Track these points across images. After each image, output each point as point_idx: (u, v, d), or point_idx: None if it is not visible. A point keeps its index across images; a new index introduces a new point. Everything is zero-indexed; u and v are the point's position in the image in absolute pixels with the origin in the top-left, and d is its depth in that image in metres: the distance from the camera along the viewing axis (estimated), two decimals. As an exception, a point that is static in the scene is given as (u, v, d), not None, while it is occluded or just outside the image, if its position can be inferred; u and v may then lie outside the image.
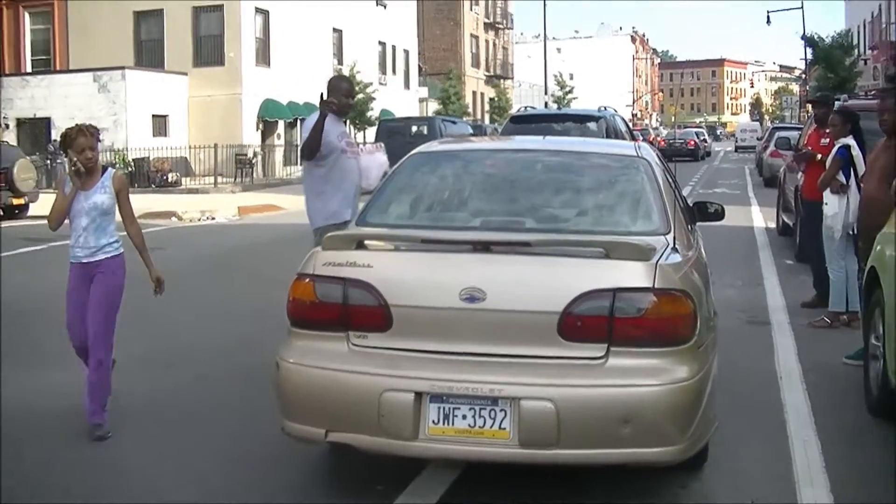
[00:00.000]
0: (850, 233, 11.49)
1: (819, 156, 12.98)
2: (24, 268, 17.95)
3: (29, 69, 55.34)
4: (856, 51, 70.48)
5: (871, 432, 8.08)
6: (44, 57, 56.34)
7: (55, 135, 47.47)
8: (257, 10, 53.50)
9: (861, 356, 9.47)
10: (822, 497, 6.60)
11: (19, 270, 17.46)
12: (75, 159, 8.09)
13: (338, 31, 63.40)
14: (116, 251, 8.41)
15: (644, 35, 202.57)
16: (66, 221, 8.33)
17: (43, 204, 30.72)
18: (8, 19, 56.46)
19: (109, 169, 8.53)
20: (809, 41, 71.58)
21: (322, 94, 10.00)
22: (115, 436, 7.99)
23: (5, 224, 26.34)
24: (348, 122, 49.95)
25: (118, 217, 8.51)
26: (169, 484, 7.00)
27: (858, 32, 77.81)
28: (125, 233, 8.58)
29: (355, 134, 51.35)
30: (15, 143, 40.93)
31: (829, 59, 67.10)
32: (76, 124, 8.45)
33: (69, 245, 8.34)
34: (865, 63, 69.21)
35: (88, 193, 8.22)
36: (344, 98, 10.35)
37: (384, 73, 71.70)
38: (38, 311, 12.97)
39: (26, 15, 56.50)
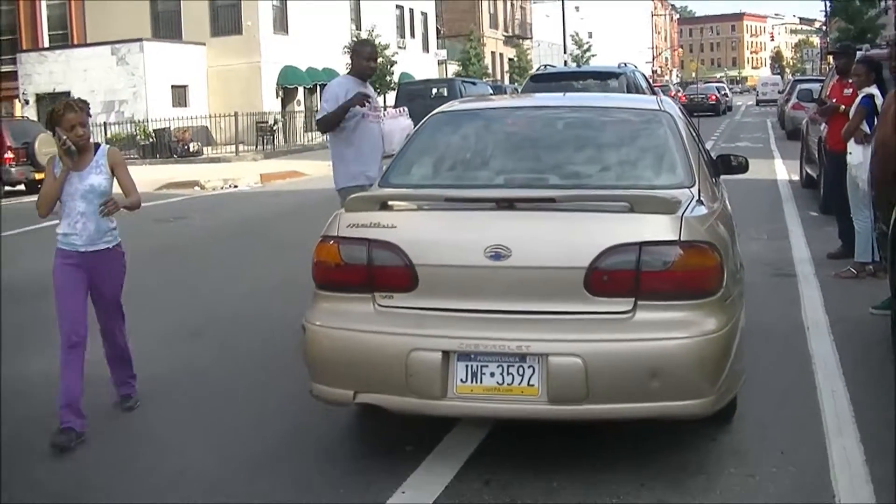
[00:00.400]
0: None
1: (842, 107, 12.91)
2: (47, 242, 17.96)
3: (47, 44, 55.44)
4: (882, 3, 69.92)
5: (899, 381, 8.06)
6: (61, 31, 56.40)
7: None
8: (274, -23, 53.44)
9: (888, 306, 9.43)
10: (851, 447, 6.58)
11: (42, 245, 17.45)
12: (65, 137, 7.39)
13: (355, -4, 63.33)
14: (117, 239, 7.80)
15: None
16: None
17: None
18: (24, -5, 56.51)
19: (102, 145, 7.84)
20: (828, -8, 71.09)
21: (347, 91, 10.08)
22: (147, 407, 8.02)
23: (27, 199, 26.40)
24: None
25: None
26: (196, 452, 7.01)
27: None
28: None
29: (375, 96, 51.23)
30: (35, 119, 41.05)
31: (848, 10, 66.66)
32: (63, 99, 7.87)
33: (58, 232, 7.62)
34: (886, 13, 68.79)
35: (83, 174, 7.55)
36: (365, 62, 10.44)
37: (403, 36, 71.57)
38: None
39: (43, -10, 56.54)
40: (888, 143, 9.90)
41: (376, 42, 47.68)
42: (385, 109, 10.91)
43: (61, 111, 7.51)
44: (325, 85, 10.98)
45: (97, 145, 7.78)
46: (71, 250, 7.57)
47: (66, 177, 7.50)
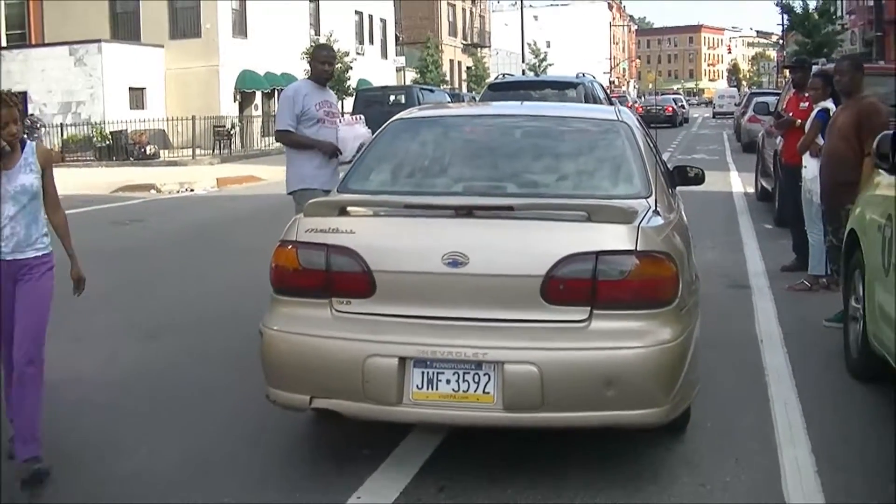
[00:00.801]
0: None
1: (799, 121, 13.03)
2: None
3: (4, 43, 55.01)
4: (836, 19, 70.54)
5: (852, 394, 8.13)
6: (19, 31, 56.06)
7: (31, 109, 47.32)
8: (233, -20, 53.33)
9: (841, 319, 9.52)
10: (803, 457, 6.65)
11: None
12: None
13: (314, 1, 63.25)
14: (48, 247, 6.75)
15: (621, 2, 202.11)
16: None
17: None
18: (-18, -7, 56.16)
19: (29, 142, 6.80)
20: (786, 7, 71.64)
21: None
22: (103, 409, 7.98)
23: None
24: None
25: None
26: (151, 454, 6.99)
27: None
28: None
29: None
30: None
31: (805, 24, 67.19)
32: (4, 91, 6.70)
33: None
34: (843, 28, 69.39)
35: (11, 174, 6.54)
36: (320, 65, 10.46)
37: (361, 42, 71.57)
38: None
39: (1, -11, 56.21)
40: (835, 152, 10.12)
41: (335, 48, 47.68)
42: (342, 116, 10.91)
43: None
44: (283, 90, 11.00)
45: (23, 142, 6.73)
46: None
47: None
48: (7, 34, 56.21)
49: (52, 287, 6.80)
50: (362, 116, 10.98)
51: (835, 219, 10.26)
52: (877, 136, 9.28)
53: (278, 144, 10.29)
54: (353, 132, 10.27)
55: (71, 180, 30.31)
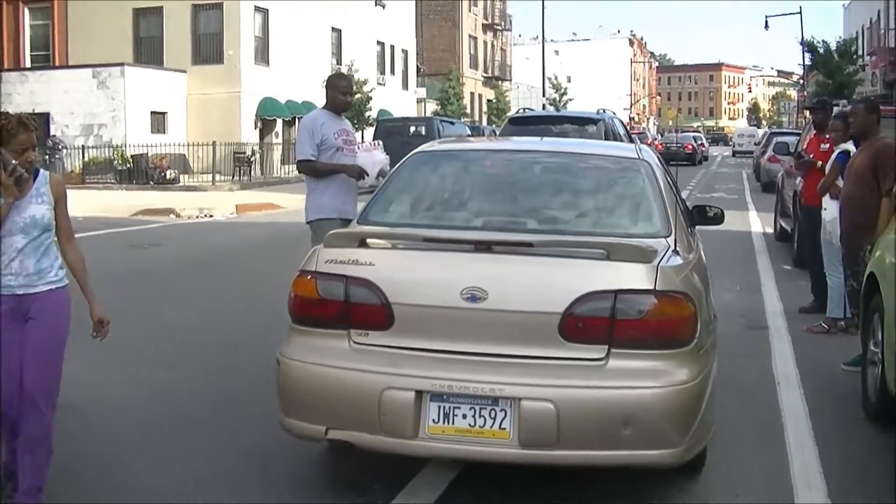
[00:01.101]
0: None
1: (819, 163, 13.02)
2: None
3: (28, 65, 55.31)
4: (859, 60, 70.47)
5: (869, 438, 8.08)
6: (43, 52, 56.33)
7: (54, 130, 47.51)
8: (257, 8, 53.50)
9: (859, 362, 9.49)
10: (819, 501, 6.61)
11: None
12: (14, 163, 5.98)
13: (336, 31, 63.39)
14: (62, 281, 6.32)
15: (642, 38, 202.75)
16: None
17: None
18: (7, 15, 56.48)
19: (42, 171, 6.36)
20: (808, 46, 71.57)
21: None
22: (114, 433, 7.99)
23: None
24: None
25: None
26: (166, 482, 6.98)
27: (858, 38, 77.83)
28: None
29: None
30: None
31: (827, 65, 67.11)
32: (14, 114, 6.31)
33: None
34: (864, 69, 69.30)
35: (21, 204, 6.09)
36: (342, 96, 10.44)
37: (382, 73, 71.70)
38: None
39: (26, 10, 56.50)
40: (853, 196, 10.10)
41: (355, 77, 47.79)
42: (361, 143, 10.93)
43: (14, 129, 6.11)
44: (301, 120, 11.01)
45: (35, 170, 6.30)
46: (8, 294, 6.11)
47: (10, 211, 6.04)
48: (31, 55, 56.50)
49: (68, 327, 6.33)
50: (380, 142, 10.99)
51: (854, 262, 10.22)
52: (890, 176, 9.34)
53: (297, 173, 10.29)
54: (371, 158, 10.29)
55: (91, 202, 30.50)
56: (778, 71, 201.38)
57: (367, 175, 10.09)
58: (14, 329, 6.09)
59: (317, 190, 10.17)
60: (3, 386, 6.02)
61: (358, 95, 50.09)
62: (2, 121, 6.10)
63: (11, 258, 6.08)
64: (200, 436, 7.98)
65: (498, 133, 29.85)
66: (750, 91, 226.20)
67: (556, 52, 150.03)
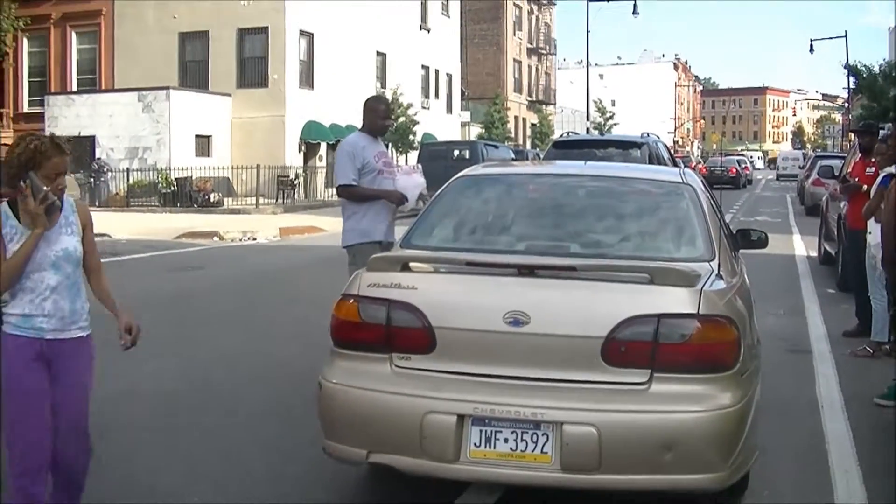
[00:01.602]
0: None
1: (864, 186, 12.95)
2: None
3: (75, 88, 55.83)
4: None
5: (914, 464, 8.02)
6: (90, 76, 56.87)
7: (99, 153, 47.88)
8: (302, 32, 53.72)
9: (892, 396, 9.46)
10: (863, 528, 6.57)
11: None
12: (46, 189, 5.46)
13: (381, 55, 63.55)
14: (89, 328, 5.80)
15: (686, 62, 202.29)
16: None
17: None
18: (55, 39, 57.12)
19: (68, 197, 5.80)
20: (853, 70, 71.16)
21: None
22: (147, 456, 8.01)
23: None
24: (390, 146, 50.23)
25: None
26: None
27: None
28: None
29: (397, 157, 51.38)
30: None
31: (872, 88, 66.70)
32: (47, 135, 5.73)
33: (10, 312, 5.57)
34: (910, 93, 68.76)
35: (51, 236, 5.57)
36: (381, 120, 10.40)
37: (427, 96, 71.82)
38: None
39: (73, 34, 57.11)
40: (891, 223, 9.99)
41: (400, 101, 47.86)
42: (399, 165, 10.91)
43: (47, 151, 5.53)
44: (339, 144, 11.00)
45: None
46: (34, 338, 5.54)
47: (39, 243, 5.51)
48: (78, 78, 57.03)
49: (93, 377, 5.87)
50: (420, 165, 10.97)
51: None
52: None
53: (338, 197, 10.24)
54: (411, 181, 10.26)
55: (135, 225, 30.73)
56: (823, 95, 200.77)
57: (408, 200, 10.08)
58: (43, 380, 5.56)
59: (356, 214, 10.13)
60: (36, 444, 5.48)
61: (402, 119, 50.28)
62: (34, 142, 5.56)
63: (44, 297, 5.55)
64: (240, 459, 8.00)
65: (542, 157, 29.84)
66: (794, 114, 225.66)
67: (601, 75, 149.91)
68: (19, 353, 5.48)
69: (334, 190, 10.38)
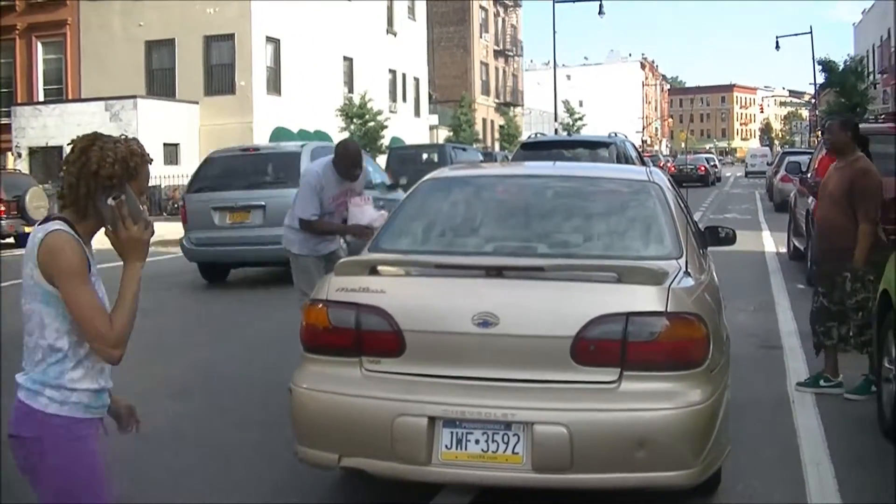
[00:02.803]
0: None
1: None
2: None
3: (41, 98, 55.55)
4: (869, 76, 70.47)
5: (886, 457, 8.02)
6: (56, 86, 56.56)
7: (67, 163, 47.63)
8: (268, 38, 53.63)
9: (865, 390, 9.51)
10: (836, 521, 6.60)
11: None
12: (142, 209, 4.27)
13: (348, 60, 63.48)
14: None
15: (654, 61, 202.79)
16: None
17: (55, 232, 30.87)
18: (21, 49, 56.79)
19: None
20: (825, 65, 71.44)
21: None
22: (128, 466, 8.00)
23: (18, 251, 26.41)
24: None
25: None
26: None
27: (868, 57, 77.89)
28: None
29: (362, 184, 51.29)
30: (27, 172, 41.15)
31: (843, 83, 67.05)
32: (128, 139, 4.33)
33: (78, 388, 4.29)
34: (875, 87, 69.28)
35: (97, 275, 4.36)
36: (351, 168, 10.25)
37: (394, 100, 71.76)
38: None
39: (39, 45, 56.78)
40: (827, 218, 10.01)
41: (368, 106, 47.79)
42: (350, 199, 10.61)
43: (143, 155, 4.31)
44: (304, 173, 10.90)
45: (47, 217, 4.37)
46: (101, 417, 4.50)
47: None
48: (45, 89, 56.74)
49: None
50: (370, 197, 10.77)
51: (826, 282, 10.05)
52: (867, 200, 9.27)
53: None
54: (362, 215, 10.13)
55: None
56: (790, 91, 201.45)
57: (371, 234, 9.89)
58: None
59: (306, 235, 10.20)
60: None
61: (371, 124, 50.15)
62: (133, 146, 4.31)
63: (102, 364, 4.44)
64: (216, 465, 8.00)
65: (510, 158, 29.90)
66: (762, 111, 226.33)
67: (568, 76, 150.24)
68: (90, 441, 4.35)
69: (293, 215, 10.27)
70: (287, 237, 10.30)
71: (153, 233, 4.31)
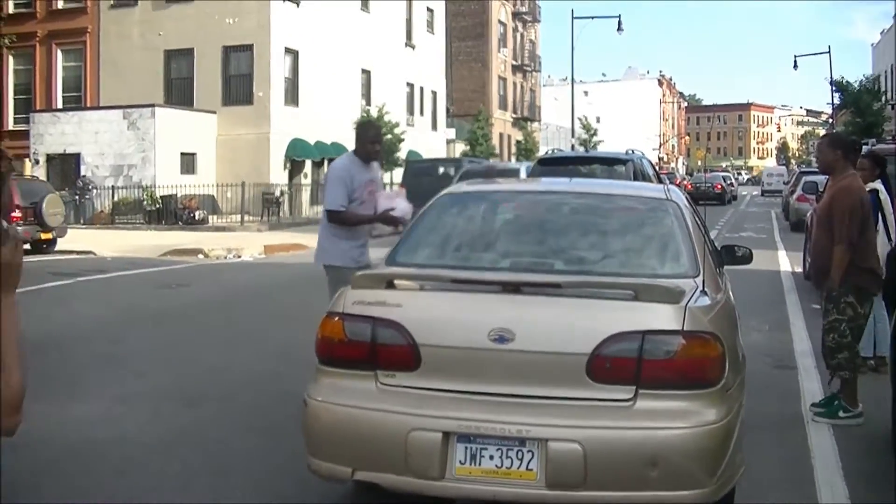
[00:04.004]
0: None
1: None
2: (49, 302, 17.97)
3: (60, 105, 55.74)
4: (883, 97, 70.37)
5: (899, 477, 8.03)
6: (75, 94, 56.80)
7: (84, 170, 47.87)
8: (287, 50, 53.76)
9: (829, 407, 9.63)
10: (849, 542, 6.58)
11: (45, 305, 17.50)
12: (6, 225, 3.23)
13: (366, 72, 63.61)
14: None
15: (671, 79, 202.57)
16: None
17: (70, 239, 30.99)
18: (41, 56, 57.06)
19: None
20: (838, 86, 71.42)
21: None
22: (137, 472, 8.01)
23: (33, 258, 26.51)
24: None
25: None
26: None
27: (885, 77, 77.72)
28: None
29: (382, 175, 51.35)
30: (44, 179, 41.27)
31: (858, 103, 66.94)
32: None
33: None
34: (893, 108, 69.13)
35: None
36: (370, 145, 10.39)
37: (412, 114, 71.84)
38: (59, 344, 12.97)
39: (59, 52, 57.04)
40: (815, 239, 10.01)
41: (385, 119, 47.89)
42: (382, 189, 10.82)
43: (9, 164, 3.49)
44: (330, 167, 10.95)
45: None
46: None
47: None
48: (63, 96, 56.94)
49: None
50: (403, 189, 10.92)
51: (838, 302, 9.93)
52: (842, 220, 9.24)
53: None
54: (391, 205, 10.22)
55: (119, 243, 30.69)
56: (807, 110, 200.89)
57: (403, 222, 9.98)
58: None
59: (335, 236, 10.14)
60: None
61: (388, 136, 50.33)
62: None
63: None
64: (224, 476, 7.99)
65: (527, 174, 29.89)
66: (779, 130, 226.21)
67: (586, 92, 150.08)
68: None
69: (320, 207, 10.35)
70: (325, 249, 10.26)
71: (22, 257, 3.17)
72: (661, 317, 5.84)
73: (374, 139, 10.51)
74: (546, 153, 26.51)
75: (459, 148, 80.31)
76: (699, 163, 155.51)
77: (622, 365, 5.79)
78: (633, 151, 23.69)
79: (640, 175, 21.14)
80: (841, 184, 9.81)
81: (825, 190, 10.31)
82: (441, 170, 40.25)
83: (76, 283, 20.58)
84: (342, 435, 6.15)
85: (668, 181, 10.20)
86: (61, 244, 30.34)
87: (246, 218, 44.77)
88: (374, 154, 10.48)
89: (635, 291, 5.96)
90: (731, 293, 7.64)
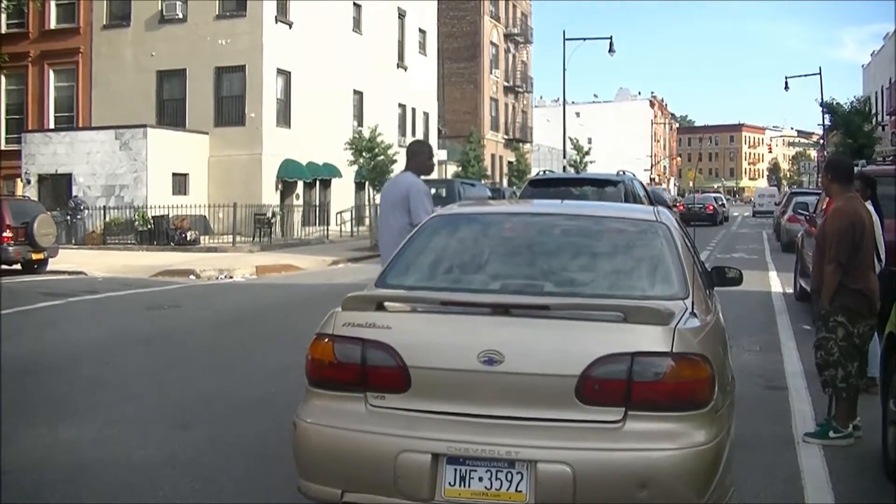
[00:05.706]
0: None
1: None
2: (40, 323, 17.95)
3: (52, 125, 55.73)
4: (874, 118, 70.58)
5: (890, 499, 8.03)
6: (67, 114, 56.76)
7: (76, 191, 47.87)
8: (279, 71, 53.77)
9: (823, 433, 9.63)
10: (839, 564, 6.58)
11: (36, 326, 17.49)
12: None
13: (358, 93, 63.65)
14: None
15: (663, 100, 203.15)
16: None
17: (62, 259, 30.95)
18: (33, 76, 57.04)
19: None
20: (828, 107, 71.69)
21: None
22: (129, 495, 8.00)
23: (25, 278, 26.48)
24: (367, 184, 50.09)
25: None
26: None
27: (876, 99, 77.98)
28: None
29: (373, 195, 51.11)
30: (36, 199, 41.24)
31: (848, 124, 67.16)
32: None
33: None
34: (883, 129, 69.36)
35: None
36: (429, 160, 11.37)
37: (404, 135, 71.73)
38: (50, 366, 12.96)
39: (51, 72, 57.03)
40: (816, 261, 10.09)
41: (378, 140, 47.93)
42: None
43: None
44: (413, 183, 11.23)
45: None
46: None
47: None
48: (55, 116, 56.93)
49: None
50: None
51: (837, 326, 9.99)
52: (830, 241, 9.34)
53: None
54: None
55: (111, 263, 30.67)
56: (798, 131, 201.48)
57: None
58: None
59: None
60: None
61: (381, 158, 50.23)
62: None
63: None
64: (215, 499, 7.98)
65: (518, 195, 29.93)
66: (770, 151, 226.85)
67: (577, 113, 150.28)
68: None
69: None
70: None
71: None
72: (651, 338, 5.85)
73: (431, 154, 11.43)
74: (537, 174, 26.51)
75: (451, 169, 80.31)
76: (690, 184, 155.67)
77: (611, 387, 5.79)
78: (623, 172, 23.74)
79: (631, 196, 21.17)
80: (836, 205, 9.99)
81: (815, 211, 10.45)
82: (433, 191, 40.25)
83: (67, 303, 20.49)
84: (332, 457, 6.14)
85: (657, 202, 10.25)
86: (53, 264, 30.34)
87: (238, 239, 44.73)
88: (431, 168, 11.40)
89: (624, 313, 5.96)
90: (720, 315, 7.65)
